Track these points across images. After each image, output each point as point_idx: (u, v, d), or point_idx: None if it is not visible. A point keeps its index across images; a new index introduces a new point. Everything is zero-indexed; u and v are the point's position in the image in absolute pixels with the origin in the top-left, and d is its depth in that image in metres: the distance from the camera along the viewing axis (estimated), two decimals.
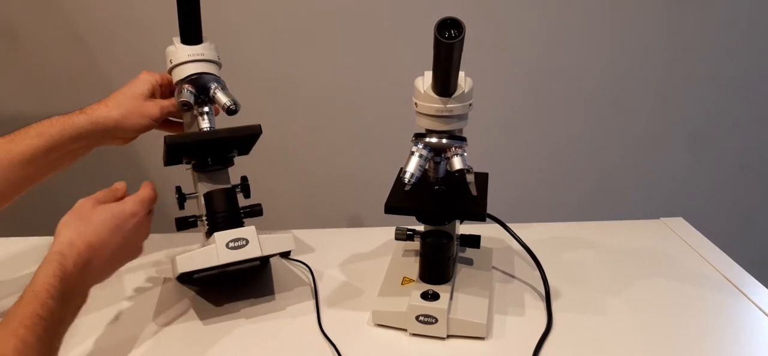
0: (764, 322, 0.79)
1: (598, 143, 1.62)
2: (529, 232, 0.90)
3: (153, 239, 1.01)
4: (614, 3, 1.46)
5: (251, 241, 0.76)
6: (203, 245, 0.78)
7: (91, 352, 0.74)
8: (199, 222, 0.84)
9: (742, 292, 0.86)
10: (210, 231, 0.80)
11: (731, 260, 0.94)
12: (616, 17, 1.48)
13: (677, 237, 1.03)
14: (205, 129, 0.82)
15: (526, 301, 0.84)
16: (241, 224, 0.82)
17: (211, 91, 0.82)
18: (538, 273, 0.86)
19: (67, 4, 1.44)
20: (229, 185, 0.84)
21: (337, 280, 0.90)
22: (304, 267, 0.92)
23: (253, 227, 0.77)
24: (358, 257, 0.97)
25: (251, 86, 1.50)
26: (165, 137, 0.76)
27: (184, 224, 0.83)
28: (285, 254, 0.83)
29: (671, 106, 1.59)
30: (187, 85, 0.81)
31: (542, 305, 0.83)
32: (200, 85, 0.81)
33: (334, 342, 0.74)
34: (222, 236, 0.75)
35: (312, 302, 0.84)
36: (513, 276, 0.91)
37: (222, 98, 0.81)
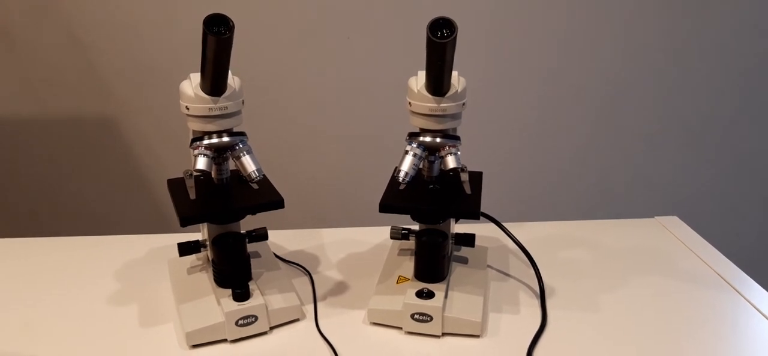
0: (758, 320, 0.79)
1: (593, 141, 1.63)
2: (523, 231, 0.90)
3: (150, 239, 1.02)
4: (610, 3, 1.46)
5: (260, 318, 0.75)
6: (212, 298, 0.78)
7: None
8: (203, 249, 0.83)
9: (736, 290, 0.86)
10: (217, 280, 0.79)
11: (726, 258, 0.94)
12: (612, 17, 1.48)
13: (672, 236, 1.03)
14: (218, 179, 0.78)
15: (521, 299, 0.84)
16: (249, 276, 0.80)
17: (236, 153, 0.74)
18: (532, 271, 0.87)
19: (64, 6, 1.44)
20: (240, 234, 0.81)
21: (333, 279, 0.90)
22: (301, 268, 0.93)
23: (263, 302, 0.76)
24: (354, 257, 0.97)
25: (247, 86, 1.50)
26: (178, 211, 0.72)
27: (188, 249, 0.82)
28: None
29: (666, 105, 1.59)
30: (205, 147, 0.72)
31: (537, 303, 0.83)
32: (223, 146, 0.74)
33: (330, 340, 0.75)
34: (232, 314, 0.74)
35: (309, 302, 0.84)
36: (508, 275, 0.91)
37: (247, 165, 0.74)
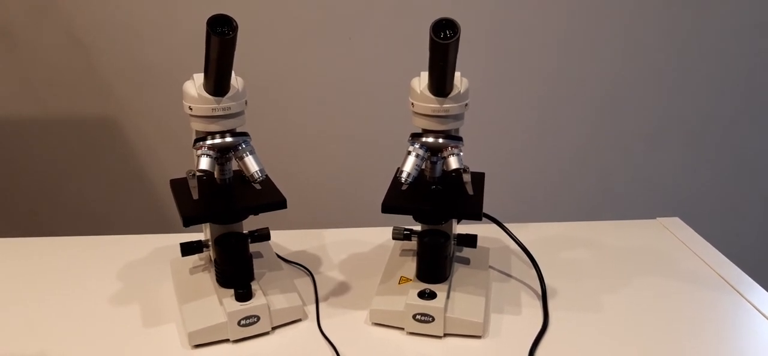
0: (760, 321, 0.80)
1: (595, 143, 1.63)
2: (526, 232, 0.90)
3: (152, 239, 1.02)
4: (610, 4, 1.46)
5: (262, 318, 0.75)
6: (214, 296, 0.78)
7: None
8: (205, 249, 0.83)
9: (737, 291, 0.86)
10: (219, 280, 0.79)
11: (727, 259, 0.95)
12: (612, 17, 1.48)
13: (673, 237, 1.03)
14: (220, 179, 0.79)
15: (523, 300, 0.84)
16: (251, 277, 0.80)
17: (239, 153, 0.74)
18: (534, 272, 0.87)
19: (64, 6, 1.44)
20: (242, 234, 0.81)
21: (335, 280, 0.90)
22: (303, 268, 0.93)
23: (265, 303, 0.76)
24: (356, 257, 0.97)
25: (250, 87, 1.50)
26: (180, 211, 0.72)
27: (190, 249, 0.81)
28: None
29: (667, 106, 1.59)
30: (208, 147, 0.72)
31: (539, 304, 0.83)
32: (225, 147, 0.74)
33: (332, 341, 0.75)
34: (234, 314, 0.74)
35: (311, 303, 0.84)
36: (510, 276, 0.91)
37: (250, 165, 0.73)
